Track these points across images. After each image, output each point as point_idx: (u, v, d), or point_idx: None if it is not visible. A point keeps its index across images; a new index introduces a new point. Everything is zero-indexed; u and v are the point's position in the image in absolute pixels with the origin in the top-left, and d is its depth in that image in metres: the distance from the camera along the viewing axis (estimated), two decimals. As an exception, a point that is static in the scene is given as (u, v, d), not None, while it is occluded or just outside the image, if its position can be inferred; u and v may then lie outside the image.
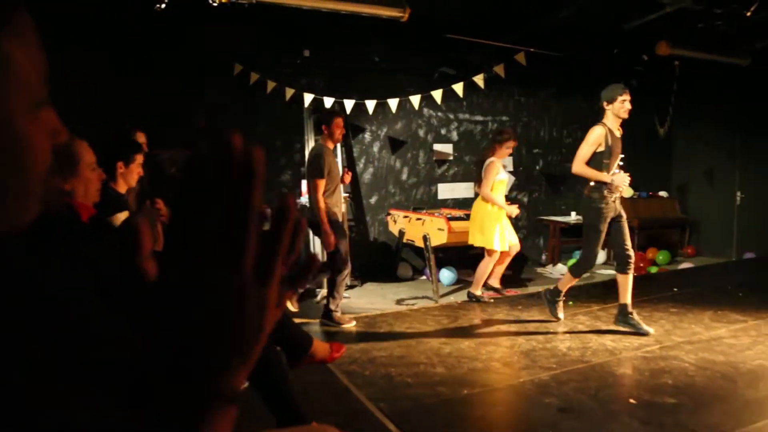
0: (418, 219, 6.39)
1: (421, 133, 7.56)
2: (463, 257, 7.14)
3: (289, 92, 6.48)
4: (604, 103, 4.39)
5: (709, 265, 7.89)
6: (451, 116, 7.69)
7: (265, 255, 0.50)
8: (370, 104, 6.68)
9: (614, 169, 4.40)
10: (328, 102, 6.51)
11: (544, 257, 8.04)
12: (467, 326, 4.79)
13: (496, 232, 5.46)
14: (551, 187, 8.27)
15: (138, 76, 5.62)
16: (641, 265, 7.47)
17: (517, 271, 7.64)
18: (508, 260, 5.94)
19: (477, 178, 5.63)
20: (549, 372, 3.69)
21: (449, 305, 5.42)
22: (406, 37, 6.92)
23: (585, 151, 4.36)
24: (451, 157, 7.65)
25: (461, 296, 6.13)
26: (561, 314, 4.83)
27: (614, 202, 4.38)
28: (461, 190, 7.62)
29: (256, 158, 0.48)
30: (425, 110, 7.47)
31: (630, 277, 4.43)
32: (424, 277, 7.10)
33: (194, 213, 0.47)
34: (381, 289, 6.61)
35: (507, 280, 7.05)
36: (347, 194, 6.89)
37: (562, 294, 4.82)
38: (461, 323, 4.88)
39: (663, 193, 9.30)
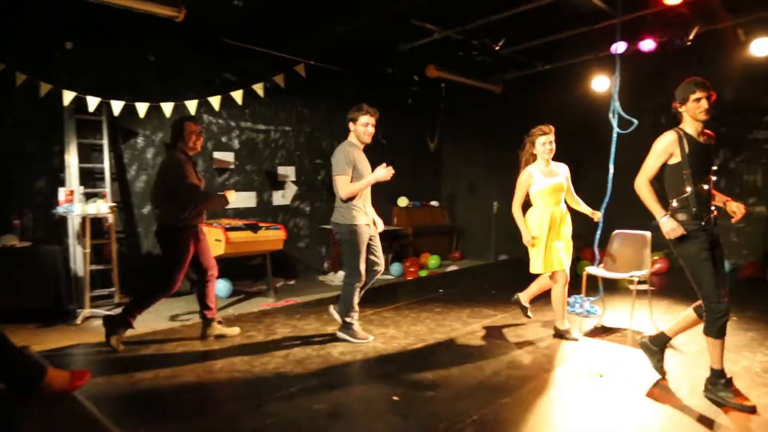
0: (195, 229, 6.08)
1: (201, 140, 7.24)
2: (242, 268, 7.01)
3: (45, 88, 5.74)
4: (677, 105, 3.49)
5: (472, 267, 8.80)
6: (233, 124, 7.51)
7: None
8: (142, 107, 6.20)
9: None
10: (93, 102, 5.90)
11: (326, 265, 8.23)
12: (243, 339, 4.66)
13: (537, 252, 4.50)
14: (333, 196, 8.49)
15: None
16: (412, 269, 8.05)
17: (299, 279, 7.71)
18: (553, 286, 4.63)
19: None
20: (320, 378, 3.74)
21: (226, 318, 5.23)
22: (184, 38, 6.60)
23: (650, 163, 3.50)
24: (233, 166, 7.46)
25: (241, 308, 5.99)
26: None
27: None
28: (242, 199, 7.46)
29: None
30: (205, 117, 7.18)
31: None
32: (203, 291, 6.77)
33: None
34: (155, 305, 6.13)
35: (289, 289, 7.07)
36: (115, 203, 6.31)
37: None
38: (237, 336, 4.73)
39: (434, 203, 10.18)
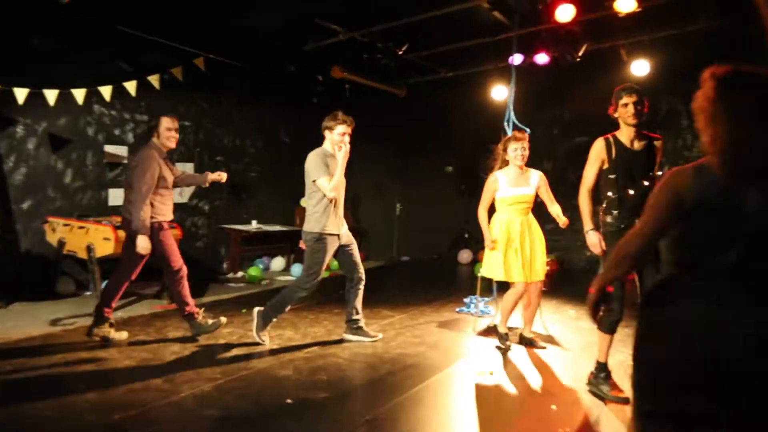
0: (81, 227, 5.69)
1: (91, 131, 6.79)
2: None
3: None
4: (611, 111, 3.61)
5: (374, 268, 8.88)
6: (127, 116, 7.10)
7: None
8: (21, 93, 5.72)
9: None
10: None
11: (225, 266, 8.00)
12: (131, 343, 4.43)
13: (496, 258, 4.46)
14: (234, 195, 8.30)
15: None
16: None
17: (197, 280, 7.41)
18: (533, 299, 4.56)
19: None
20: (212, 383, 3.63)
21: (116, 320, 4.93)
22: (72, 22, 6.16)
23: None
24: (126, 161, 7.06)
25: (131, 310, 5.67)
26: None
27: None
28: (135, 196, 7.08)
29: None
30: (96, 107, 6.74)
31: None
32: (89, 293, 6.35)
33: None
34: (33, 309, 5.68)
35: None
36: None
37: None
38: (125, 340, 4.48)
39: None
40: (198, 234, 7.97)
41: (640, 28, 6.71)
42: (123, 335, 4.52)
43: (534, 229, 4.51)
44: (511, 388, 3.74)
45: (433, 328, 5.17)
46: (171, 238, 4.53)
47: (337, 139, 4.40)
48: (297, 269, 7.90)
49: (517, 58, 6.25)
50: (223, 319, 4.76)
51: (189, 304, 4.58)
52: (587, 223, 3.53)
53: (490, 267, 4.53)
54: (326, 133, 4.48)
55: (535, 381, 3.88)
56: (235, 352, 4.27)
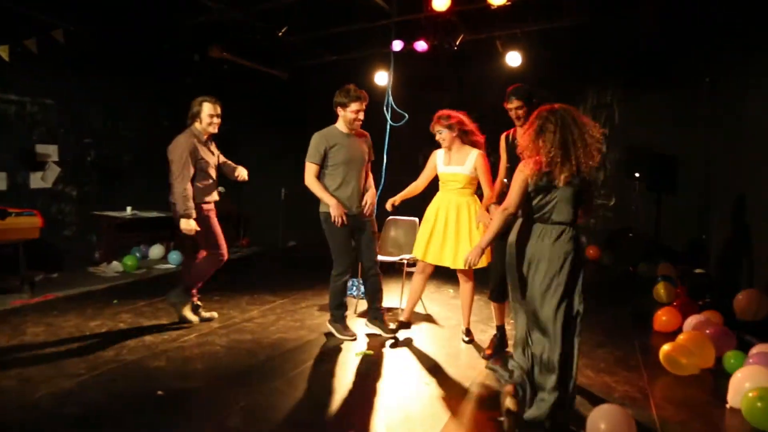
0: None
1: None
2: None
3: None
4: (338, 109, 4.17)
5: (258, 254, 8.73)
6: (-28, 89, 6.40)
7: None
8: None
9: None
10: None
11: (97, 255, 7.50)
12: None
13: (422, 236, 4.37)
14: (106, 180, 7.77)
15: None
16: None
17: (64, 271, 6.90)
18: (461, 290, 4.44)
19: None
20: (75, 379, 3.42)
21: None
22: None
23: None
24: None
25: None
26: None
27: None
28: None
29: None
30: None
31: None
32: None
33: None
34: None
35: (51, 283, 6.29)
36: None
37: None
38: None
39: (220, 188, 9.83)
40: (65, 221, 7.39)
41: (514, 21, 7.06)
42: (214, 314, 4.77)
43: (470, 214, 4.22)
44: (389, 367, 3.85)
45: (315, 311, 5.20)
46: (210, 221, 4.51)
47: (351, 117, 4.15)
48: (175, 257, 7.60)
49: (396, 45, 6.36)
50: (215, 314, 4.79)
51: (195, 288, 4.63)
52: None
53: (416, 243, 4.44)
54: (339, 110, 4.20)
55: (412, 359, 4.03)
56: (103, 345, 4.03)
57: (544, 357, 2.87)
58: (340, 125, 4.26)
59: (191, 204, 4.29)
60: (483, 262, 4.09)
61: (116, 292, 5.79)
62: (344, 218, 4.15)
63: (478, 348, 4.29)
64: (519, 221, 3.07)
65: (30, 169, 6.94)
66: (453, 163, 4.29)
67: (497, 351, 4.11)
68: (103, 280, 6.52)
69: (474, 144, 4.28)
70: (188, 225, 4.28)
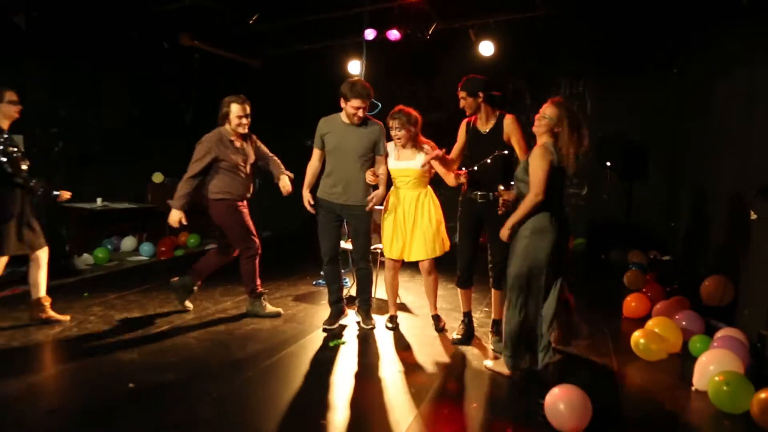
0: None
1: None
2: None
3: None
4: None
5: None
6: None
7: None
8: None
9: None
10: None
11: (67, 247, 7.36)
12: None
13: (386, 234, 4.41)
14: (73, 171, 7.60)
15: None
16: (163, 249, 7.63)
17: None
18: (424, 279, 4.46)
19: None
20: (45, 372, 3.37)
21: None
22: None
23: None
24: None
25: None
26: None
27: None
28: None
29: None
30: None
31: None
32: None
33: None
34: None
35: (19, 276, 6.15)
36: None
37: None
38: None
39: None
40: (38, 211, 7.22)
41: (487, 11, 7.07)
42: (189, 306, 4.78)
43: (424, 205, 4.29)
44: (363, 356, 3.87)
45: (290, 301, 5.19)
46: (236, 216, 4.60)
47: (351, 111, 4.10)
48: (147, 248, 7.50)
49: (369, 34, 6.33)
50: (280, 310, 4.78)
51: (256, 283, 4.72)
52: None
53: (383, 241, 4.46)
54: (341, 101, 4.13)
55: (385, 347, 4.05)
56: (72, 340, 3.97)
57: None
58: (343, 114, 4.22)
59: (182, 197, 4.47)
60: (436, 252, 4.30)
61: (87, 284, 5.70)
62: (309, 205, 4.31)
63: (448, 332, 4.35)
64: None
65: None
66: (404, 158, 4.27)
67: (466, 337, 4.17)
68: (73, 272, 6.40)
69: (421, 144, 4.27)
70: (172, 216, 4.48)
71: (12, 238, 4.10)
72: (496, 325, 4.14)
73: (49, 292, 5.13)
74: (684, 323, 4.21)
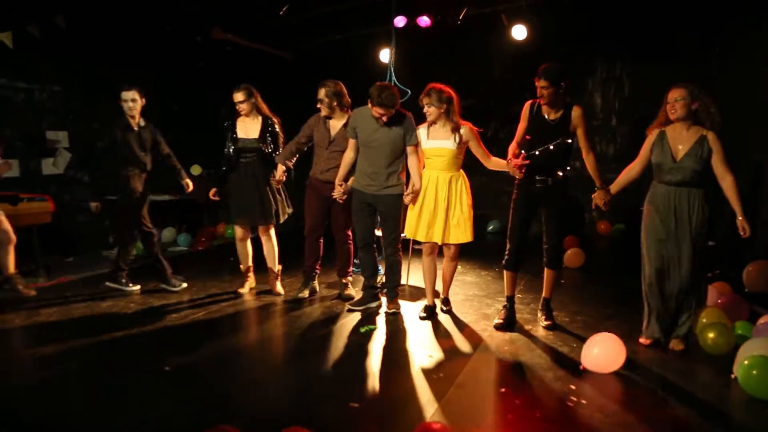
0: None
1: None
2: None
3: None
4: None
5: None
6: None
7: None
8: None
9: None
10: None
11: (111, 239, 7.60)
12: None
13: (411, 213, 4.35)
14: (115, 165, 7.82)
15: None
16: (203, 239, 7.80)
17: (78, 255, 7.01)
18: (444, 265, 4.52)
19: None
20: (86, 357, 3.50)
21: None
22: None
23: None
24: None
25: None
26: None
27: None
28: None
29: None
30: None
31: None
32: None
33: None
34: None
35: (66, 266, 6.41)
36: None
37: None
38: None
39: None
40: (80, 207, 7.49)
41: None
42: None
43: (457, 189, 4.21)
44: (393, 341, 3.89)
45: (323, 288, 5.24)
46: (311, 198, 4.82)
47: (375, 115, 4.16)
48: (184, 239, 7.70)
49: (399, 21, 6.30)
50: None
51: (347, 267, 4.97)
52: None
53: (407, 223, 4.38)
54: (369, 101, 4.15)
55: (416, 333, 4.06)
56: (113, 325, 4.12)
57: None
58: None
59: (283, 157, 5.00)
60: (468, 237, 4.24)
61: (132, 273, 5.87)
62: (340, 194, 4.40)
63: (480, 318, 4.35)
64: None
65: (41, 156, 7.03)
66: (437, 137, 4.18)
67: (508, 322, 4.13)
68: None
69: (458, 125, 4.16)
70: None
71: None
72: (547, 303, 4.21)
73: (92, 280, 5.34)
74: (729, 308, 4.06)
